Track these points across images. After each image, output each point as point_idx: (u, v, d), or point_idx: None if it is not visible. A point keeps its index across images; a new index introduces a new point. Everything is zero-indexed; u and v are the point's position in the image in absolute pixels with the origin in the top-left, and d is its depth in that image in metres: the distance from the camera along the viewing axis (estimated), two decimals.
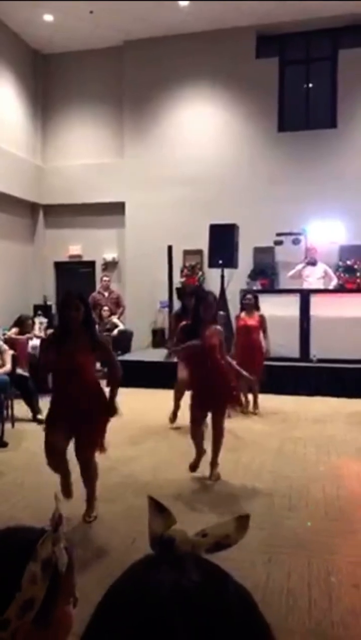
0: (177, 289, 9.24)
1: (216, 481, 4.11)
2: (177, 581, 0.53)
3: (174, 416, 5.65)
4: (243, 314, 6.37)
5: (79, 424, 3.33)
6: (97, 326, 9.06)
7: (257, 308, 6.39)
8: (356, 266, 9.11)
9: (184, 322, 4.35)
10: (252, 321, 6.28)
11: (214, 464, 4.16)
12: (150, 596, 0.53)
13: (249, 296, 6.45)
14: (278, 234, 9.39)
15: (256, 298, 6.45)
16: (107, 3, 8.94)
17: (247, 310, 6.36)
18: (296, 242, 9.22)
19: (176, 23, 9.70)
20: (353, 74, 9.55)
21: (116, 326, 9.29)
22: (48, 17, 9.64)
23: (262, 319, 6.32)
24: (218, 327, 4.18)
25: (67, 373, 3.33)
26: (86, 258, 10.98)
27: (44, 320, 8.52)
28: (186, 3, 9.19)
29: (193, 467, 4.16)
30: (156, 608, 0.52)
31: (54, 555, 0.75)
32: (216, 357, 4.08)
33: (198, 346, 4.02)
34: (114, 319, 9.40)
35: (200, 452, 4.16)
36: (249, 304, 6.35)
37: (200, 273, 10.02)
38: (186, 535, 0.59)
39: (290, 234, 9.27)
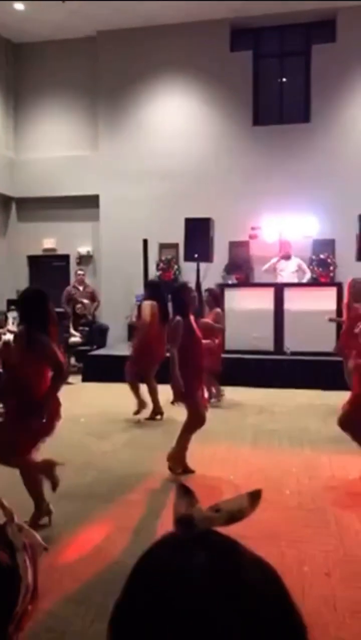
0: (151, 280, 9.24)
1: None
2: (210, 563, 0.55)
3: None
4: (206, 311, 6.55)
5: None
6: (71, 322, 9.06)
7: (216, 304, 6.54)
8: (329, 260, 9.24)
9: (178, 319, 4.12)
10: (208, 318, 6.41)
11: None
12: (187, 584, 0.53)
13: (206, 293, 6.68)
14: (253, 228, 9.45)
15: (212, 294, 6.63)
16: None
17: (209, 307, 6.54)
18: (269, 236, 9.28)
19: (150, 14, 9.61)
20: (326, 69, 9.63)
21: (93, 320, 9.24)
22: (19, 6, 9.43)
23: (217, 315, 6.41)
24: (177, 318, 4.16)
25: (6, 372, 3.30)
26: (60, 252, 10.85)
27: (17, 314, 8.40)
28: None
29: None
30: (196, 595, 0.52)
31: (27, 538, 0.79)
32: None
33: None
34: (92, 309, 9.36)
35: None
36: (209, 301, 6.55)
37: (176, 267, 10.01)
38: (203, 512, 0.61)
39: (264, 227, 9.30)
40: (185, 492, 0.64)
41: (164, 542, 0.59)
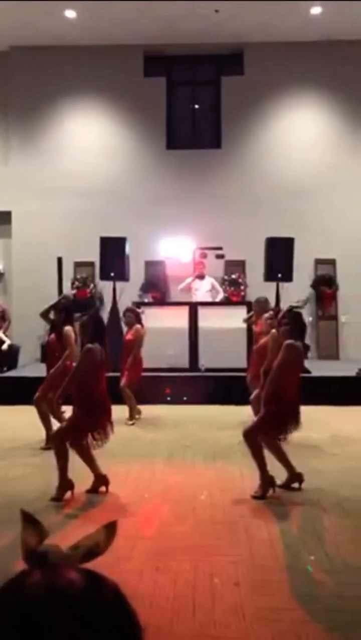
0: (62, 300, 9.06)
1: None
2: (52, 582, 0.54)
3: None
4: (125, 329, 6.64)
5: None
6: None
7: (138, 322, 6.63)
8: (240, 280, 9.65)
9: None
10: (129, 335, 6.57)
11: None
12: (25, 597, 0.53)
13: (128, 313, 6.74)
14: (167, 248, 9.65)
15: (133, 312, 6.72)
16: None
17: (128, 325, 6.64)
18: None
19: (64, 34, 9.65)
20: (235, 99, 10.18)
21: (2, 341, 8.88)
22: None
23: (136, 332, 6.53)
24: (90, 346, 4.10)
25: None
26: None
27: None
28: (73, 14, 9.19)
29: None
30: (33, 609, 0.52)
31: None
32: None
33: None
34: (0, 333, 8.98)
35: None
36: (129, 321, 6.64)
37: (92, 285, 9.94)
38: (60, 550, 0.59)
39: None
40: (31, 522, 0.62)
41: (14, 577, 0.58)
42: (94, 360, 4.07)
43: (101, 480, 4.11)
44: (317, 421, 6.07)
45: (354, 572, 2.92)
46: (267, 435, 4.07)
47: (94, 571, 0.59)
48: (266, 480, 4.02)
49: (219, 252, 9.49)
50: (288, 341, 4.10)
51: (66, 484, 3.98)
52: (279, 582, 2.83)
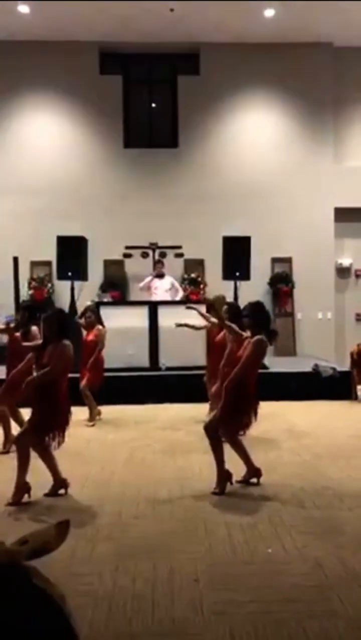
0: (24, 301, 8.90)
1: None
2: None
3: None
4: (85, 331, 6.55)
5: None
6: None
7: (99, 322, 6.59)
8: (199, 279, 9.72)
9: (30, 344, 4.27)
10: (90, 336, 6.49)
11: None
12: None
13: (89, 314, 6.64)
14: (127, 247, 9.62)
15: (94, 312, 6.66)
16: None
17: (88, 325, 6.57)
18: (144, 255, 9.51)
19: (15, 27, 9.44)
20: (192, 99, 10.23)
21: None
22: None
23: (98, 333, 6.48)
24: (66, 342, 4.08)
25: None
26: None
27: None
28: (26, 9, 9.01)
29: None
30: None
31: None
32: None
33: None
34: None
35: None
36: (90, 321, 6.56)
37: (49, 285, 9.79)
38: (4, 546, 0.59)
39: (139, 247, 9.54)
40: None
41: None
42: (70, 356, 4.02)
43: (60, 483, 4.07)
44: (274, 415, 6.21)
45: (309, 562, 3.01)
46: (228, 427, 4.13)
47: (26, 567, 0.58)
48: (223, 476, 4.08)
49: (178, 250, 9.55)
50: (259, 337, 4.15)
51: (22, 487, 3.92)
52: (237, 575, 2.89)
